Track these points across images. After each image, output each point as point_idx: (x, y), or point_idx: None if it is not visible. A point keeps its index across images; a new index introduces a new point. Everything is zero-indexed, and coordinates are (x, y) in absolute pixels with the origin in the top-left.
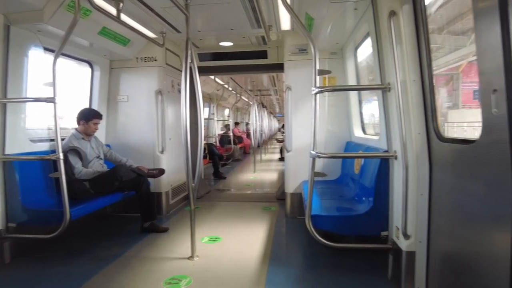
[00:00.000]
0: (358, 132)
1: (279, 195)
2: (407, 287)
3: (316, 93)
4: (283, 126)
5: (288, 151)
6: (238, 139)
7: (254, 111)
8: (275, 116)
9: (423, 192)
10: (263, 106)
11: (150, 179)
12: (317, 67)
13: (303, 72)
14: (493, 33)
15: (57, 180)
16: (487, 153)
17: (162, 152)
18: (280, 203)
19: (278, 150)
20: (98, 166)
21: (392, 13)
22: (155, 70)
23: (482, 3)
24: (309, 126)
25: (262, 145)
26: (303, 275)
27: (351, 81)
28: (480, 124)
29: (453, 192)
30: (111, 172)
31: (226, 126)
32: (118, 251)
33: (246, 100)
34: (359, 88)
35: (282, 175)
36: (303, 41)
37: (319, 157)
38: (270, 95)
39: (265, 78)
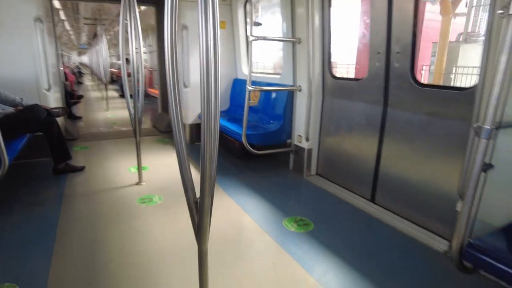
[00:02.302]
0: (245, 70)
1: (165, 128)
2: (306, 172)
3: (252, 40)
4: (127, 61)
5: (186, 87)
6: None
7: (104, 45)
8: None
9: (317, 112)
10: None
11: None
12: (254, 20)
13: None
14: (381, 18)
15: None
16: (369, 85)
17: (49, 89)
18: (169, 135)
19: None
20: None
21: None
22: None
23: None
24: None
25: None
26: (239, 178)
27: (241, 27)
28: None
29: (338, 110)
30: (28, 111)
31: None
32: (54, 193)
33: (69, 29)
34: (277, 40)
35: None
36: None
37: (254, 90)
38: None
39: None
